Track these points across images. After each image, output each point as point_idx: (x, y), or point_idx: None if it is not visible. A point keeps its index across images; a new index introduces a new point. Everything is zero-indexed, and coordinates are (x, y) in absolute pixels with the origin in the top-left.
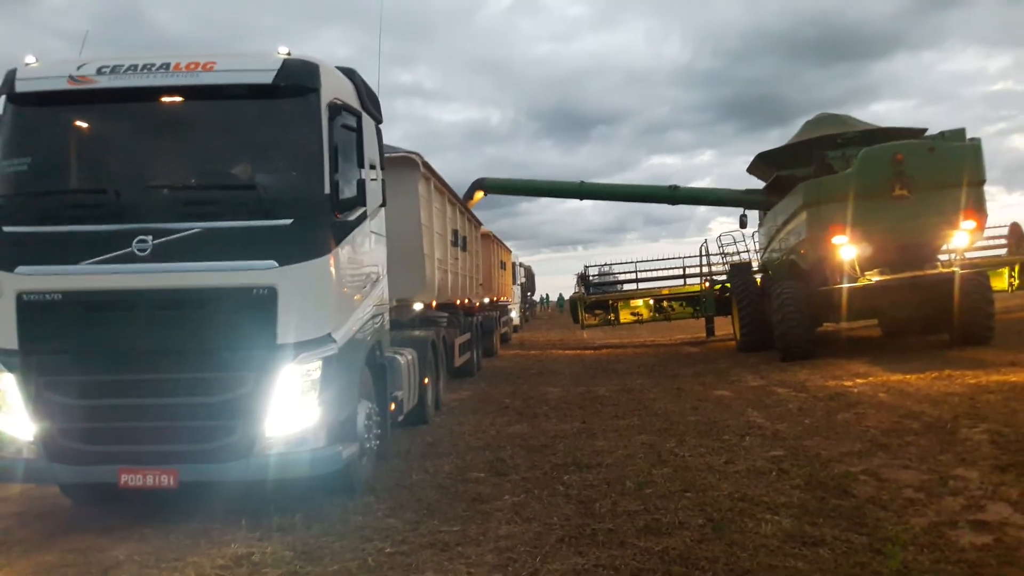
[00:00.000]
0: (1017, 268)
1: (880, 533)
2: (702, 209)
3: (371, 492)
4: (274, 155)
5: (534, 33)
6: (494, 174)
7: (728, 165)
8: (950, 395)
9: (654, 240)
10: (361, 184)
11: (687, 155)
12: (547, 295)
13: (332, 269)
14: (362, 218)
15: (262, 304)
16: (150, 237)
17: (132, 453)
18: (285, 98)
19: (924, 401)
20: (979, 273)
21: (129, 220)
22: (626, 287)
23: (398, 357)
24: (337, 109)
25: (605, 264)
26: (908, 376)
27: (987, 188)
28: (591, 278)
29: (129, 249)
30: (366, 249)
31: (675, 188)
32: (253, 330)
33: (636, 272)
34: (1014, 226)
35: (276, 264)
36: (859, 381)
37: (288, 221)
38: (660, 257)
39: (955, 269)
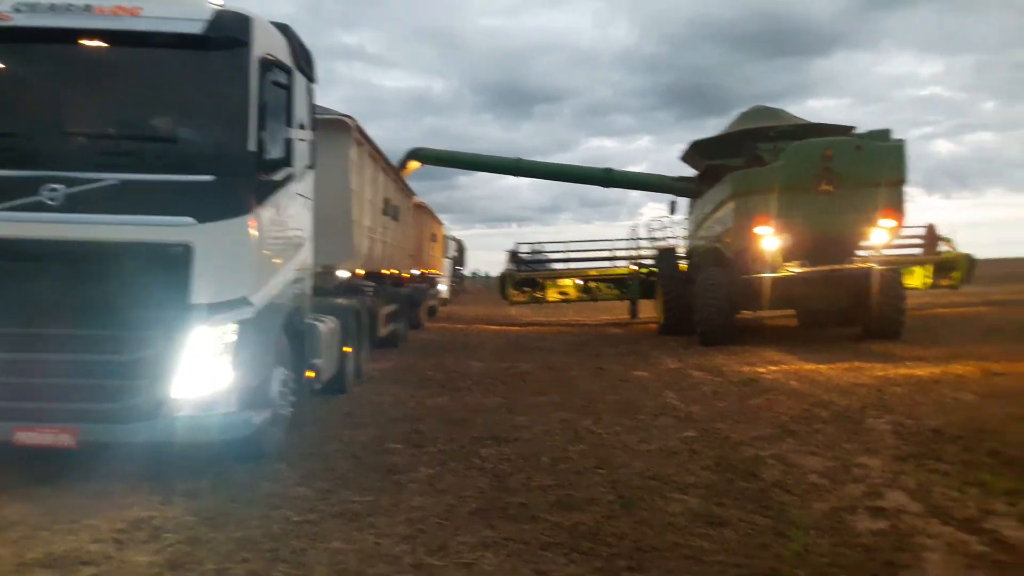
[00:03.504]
0: (930, 267)
1: (784, 516)
2: (635, 194)
3: (283, 460)
4: (199, 108)
5: (483, 5)
6: (434, 145)
7: (665, 152)
8: (859, 386)
9: (587, 222)
10: (289, 144)
11: (626, 139)
12: (479, 271)
13: (253, 230)
14: (288, 179)
15: (177, 262)
16: (62, 186)
17: (29, 410)
18: (214, 50)
19: (833, 390)
20: (893, 270)
21: (40, 167)
22: (556, 266)
23: (319, 324)
24: (268, 65)
25: (537, 243)
26: (820, 366)
27: (908, 189)
28: (522, 255)
29: (38, 197)
30: (291, 211)
31: (609, 171)
32: (166, 288)
33: (566, 252)
34: (930, 227)
35: (194, 221)
36: (773, 368)
37: (209, 178)
38: (591, 239)
39: (871, 265)
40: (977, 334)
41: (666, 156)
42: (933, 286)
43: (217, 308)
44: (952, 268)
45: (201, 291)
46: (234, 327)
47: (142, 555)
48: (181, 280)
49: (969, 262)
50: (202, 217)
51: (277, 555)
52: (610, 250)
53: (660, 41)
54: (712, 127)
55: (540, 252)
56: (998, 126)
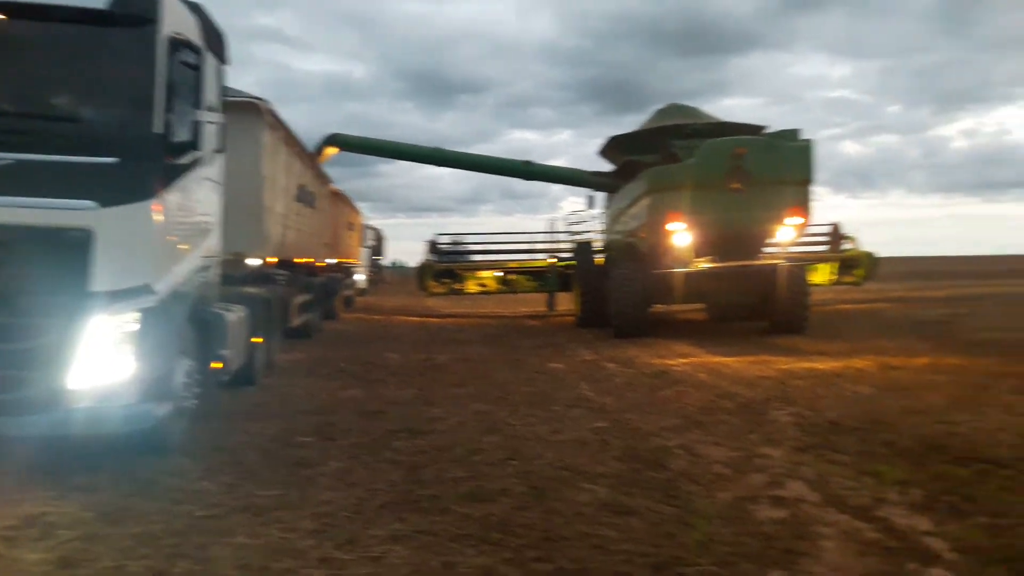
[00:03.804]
0: (835, 264)
1: (689, 505)
2: (556, 187)
3: (186, 453)
4: (103, 88)
5: None
6: (354, 132)
7: (585, 146)
8: (763, 378)
9: (508, 214)
10: (197, 127)
11: (547, 132)
12: (399, 261)
13: (157, 215)
14: (196, 163)
15: (76, 247)
16: None
17: None
18: (120, 27)
19: (739, 383)
20: (799, 267)
21: None
22: (476, 258)
23: (226, 314)
24: (177, 44)
25: (457, 234)
26: (727, 359)
27: (815, 188)
28: (442, 246)
29: None
30: (198, 196)
31: (529, 164)
32: (64, 275)
33: (486, 244)
34: (835, 226)
35: (95, 205)
36: (683, 361)
37: (113, 160)
38: (511, 231)
39: (778, 261)
40: (877, 330)
41: (586, 150)
42: (837, 283)
43: (118, 296)
44: (855, 265)
45: (101, 278)
46: (136, 316)
47: (34, 553)
48: (80, 266)
49: (871, 260)
50: (104, 201)
51: (179, 551)
52: (529, 243)
53: (582, 35)
54: (631, 123)
55: (460, 243)
56: (901, 129)
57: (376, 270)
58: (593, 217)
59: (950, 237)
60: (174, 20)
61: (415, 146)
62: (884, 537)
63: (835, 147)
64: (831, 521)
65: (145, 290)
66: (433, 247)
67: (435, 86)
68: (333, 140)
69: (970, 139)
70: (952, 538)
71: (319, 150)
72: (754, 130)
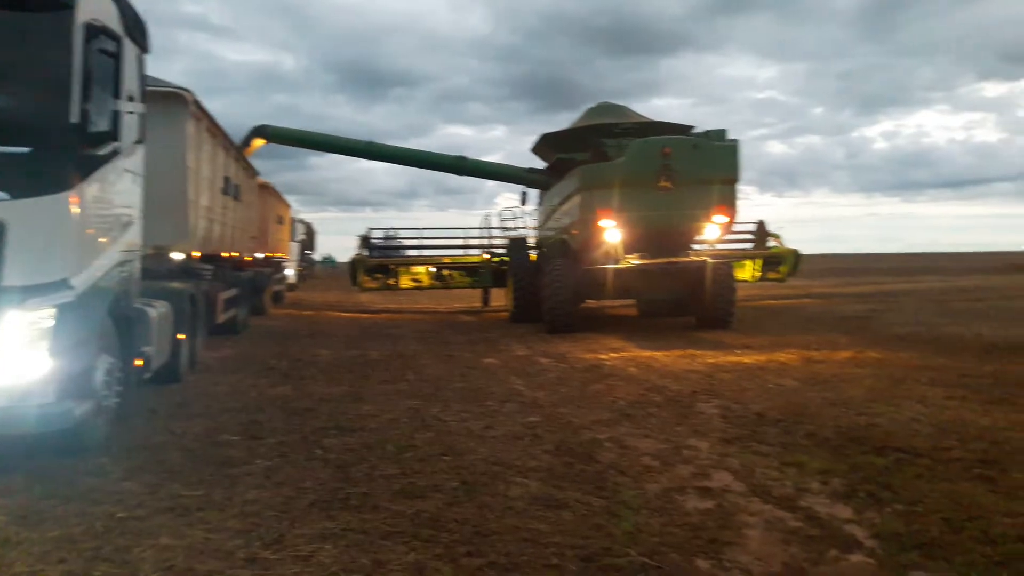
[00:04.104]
0: (760, 261)
1: (618, 497)
2: (491, 183)
3: (107, 453)
4: (16, 75)
5: None
6: (284, 124)
7: (519, 142)
8: (691, 372)
9: (443, 209)
10: (116, 116)
11: (481, 128)
12: (331, 256)
13: (74, 207)
14: (114, 154)
15: None
16: None
17: None
18: (33, 12)
19: (668, 376)
20: (725, 263)
21: None
22: (409, 253)
23: (148, 309)
24: (94, 31)
25: (390, 228)
26: (656, 353)
27: (741, 187)
28: (375, 241)
29: None
30: (118, 188)
31: (463, 159)
32: None
33: (420, 238)
34: (760, 223)
35: (7, 197)
36: (613, 355)
37: (26, 150)
38: (446, 226)
39: (705, 258)
40: (800, 325)
41: (520, 147)
42: (762, 279)
43: (32, 291)
44: (780, 262)
45: (14, 272)
46: (51, 311)
47: None
48: None
49: (795, 257)
50: (17, 192)
51: (99, 554)
52: (463, 238)
53: (515, 31)
54: (564, 120)
55: (393, 238)
56: (825, 130)
57: (307, 265)
58: (526, 213)
59: (870, 235)
60: (91, 6)
61: (347, 139)
62: (806, 526)
63: (762, 147)
64: (756, 511)
65: (62, 285)
66: (366, 242)
67: (367, 79)
68: (261, 132)
69: (890, 141)
70: (871, 525)
71: (246, 142)
72: (683, 130)
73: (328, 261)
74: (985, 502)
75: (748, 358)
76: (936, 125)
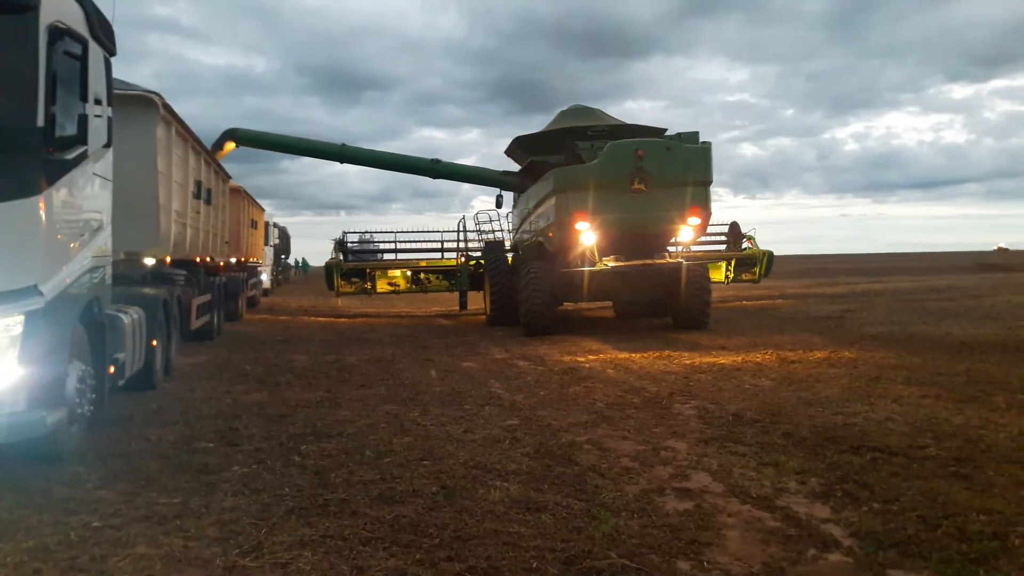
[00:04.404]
0: (733, 263)
1: (597, 499)
2: (467, 186)
3: (81, 462)
4: None
5: None
6: (256, 127)
7: (494, 145)
8: (668, 373)
9: (419, 212)
10: (83, 120)
11: (455, 131)
12: (303, 259)
13: (41, 212)
14: (82, 158)
15: None
16: None
17: None
18: None
19: (645, 378)
20: (700, 265)
21: None
22: (386, 257)
23: (121, 316)
24: (59, 33)
25: (366, 232)
26: (634, 355)
27: (715, 189)
28: (350, 244)
29: None
30: (86, 193)
31: (437, 162)
32: None
33: (396, 242)
34: (734, 225)
35: None
36: (591, 357)
37: None
38: (421, 229)
39: (680, 260)
40: (775, 325)
41: (495, 149)
42: (736, 280)
43: (2, 298)
44: (753, 264)
45: None
46: (20, 318)
47: None
48: None
49: (768, 258)
50: None
51: (74, 564)
52: (440, 242)
53: (488, 34)
54: (538, 123)
55: (369, 242)
56: (796, 132)
57: (282, 269)
58: (502, 216)
59: (842, 236)
60: (55, 7)
61: (320, 142)
62: (785, 525)
63: (734, 149)
64: (734, 511)
65: (31, 291)
66: (341, 245)
67: (340, 81)
68: (232, 135)
69: (860, 142)
70: (848, 524)
71: (218, 145)
72: (656, 133)
73: (300, 266)
74: (960, 500)
75: (724, 359)
76: (905, 127)
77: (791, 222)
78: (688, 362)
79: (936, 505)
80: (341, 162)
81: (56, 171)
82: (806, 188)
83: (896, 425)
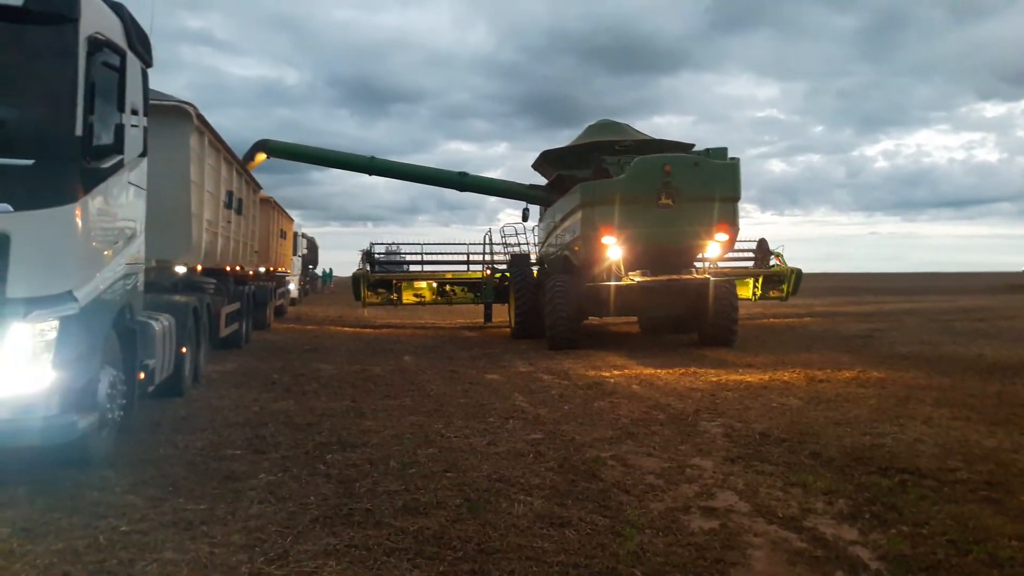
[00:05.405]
0: (760, 279)
1: (622, 516)
2: (493, 199)
3: (111, 466)
4: (20, 87)
5: None
6: (286, 138)
7: (521, 159)
8: (694, 390)
9: (445, 224)
10: (119, 130)
11: (483, 144)
12: (330, 269)
13: (77, 220)
14: (118, 167)
15: None
16: None
17: None
18: (38, 25)
19: (671, 394)
20: (728, 281)
21: None
22: (412, 268)
23: (152, 322)
24: (98, 44)
25: (392, 243)
26: (659, 371)
27: (743, 205)
28: (377, 256)
29: None
30: (121, 201)
31: (464, 175)
32: None
33: (422, 254)
34: (762, 241)
35: (10, 209)
36: (616, 372)
37: (29, 162)
38: (448, 241)
39: (707, 276)
40: (803, 343)
41: (522, 163)
42: (763, 297)
43: (36, 303)
44: (781, 281)
45: (18, 284)
46: (55, 323)
47: None
48: None
49: (797, 276)
50: (21, 204)
51: (103, 567)
52: (466, 254)
53: (517, 50)
54: (566, 137)
55: (395, 253)
56: (826, 149)
57: (309, 279)
58: (528, 229)
59: (871, 254)
60: (95, 19)
61: (348, 154)
62: (812, 547)
63: (762, 165)
64: (760, 531)
65: (66, 297)
66: (368, 257)
67: (370, 94)
68: (263, 146)
69: (890, 160)
70: (877, 547)
71: (249, 156)
72: (683, 148)
73: (326, 276)
74: (992, 524)
75: (751, 377)
76: (936, 145)
77: (820, 239)
78: (714, 379)
79: (967, 529)
80: (370, 174)
81: (93, 180)
82: (835, 205)
83: (926, 447)
